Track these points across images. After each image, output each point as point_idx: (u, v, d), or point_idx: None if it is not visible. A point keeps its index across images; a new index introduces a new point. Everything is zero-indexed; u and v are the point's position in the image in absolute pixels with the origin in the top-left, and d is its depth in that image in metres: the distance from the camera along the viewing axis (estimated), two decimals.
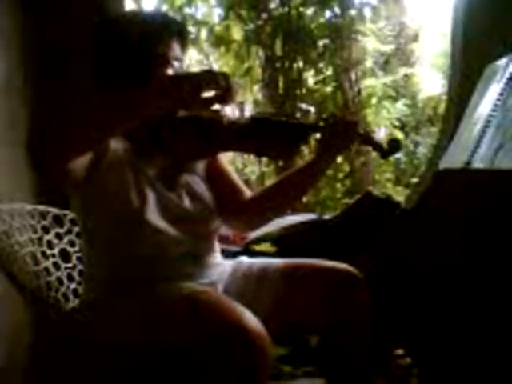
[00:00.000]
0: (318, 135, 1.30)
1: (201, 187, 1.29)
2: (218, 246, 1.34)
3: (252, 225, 1.41)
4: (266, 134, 1.21)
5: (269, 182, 1.68)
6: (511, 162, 1.44)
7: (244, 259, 1.37)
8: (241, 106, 1.29)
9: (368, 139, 1.30)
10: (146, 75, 1.17)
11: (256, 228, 1.46)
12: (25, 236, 1.35)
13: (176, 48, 1.21)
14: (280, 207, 1.37)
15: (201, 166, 1.32)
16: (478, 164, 1.58)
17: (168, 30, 1.21)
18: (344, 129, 1.25)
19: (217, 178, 1.33)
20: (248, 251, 1.89)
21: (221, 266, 1.31)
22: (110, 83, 1.20)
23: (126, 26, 1.21)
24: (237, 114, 1.23)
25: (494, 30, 2.02)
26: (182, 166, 1.27)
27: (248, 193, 1.37)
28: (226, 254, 1.37)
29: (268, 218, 1.39)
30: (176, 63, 1.20)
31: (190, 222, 1.23)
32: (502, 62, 1.75)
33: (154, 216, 1.17)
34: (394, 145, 1.29)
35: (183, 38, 1.23)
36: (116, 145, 1.19)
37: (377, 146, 1.29)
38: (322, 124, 1.28)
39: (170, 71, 1.19)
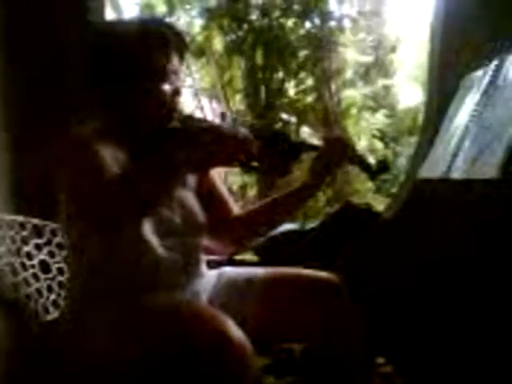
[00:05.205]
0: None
1: (192, 201, 1.27)
2: (203, 256, 1.33)
3: (235, 243, 1.41)
4: (263, 150, 1.18)
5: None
6: (488, 172, 1.46)
7: (227, 269, 1.37)
8: (222, 116, 1.28)
9: (358, 161, 1.31)
10: (143, 87, 1.16)
11: (240, 246, 1.46)
12: (3, 247, 1.33)
13: (174, 61, 1.19)
14: (266, 227, 1.39)
15: (192, 179, 1.30)
16: (455, 174, 1.61)
17: (168, 43, 1.18)
18: (340, 150, 1.26)
19: (207, 193, 1.32)
20: (231, 261, 1.89)
21: (206, 277, 1.31)
22: (106, 90, 1.18)
23: (126, 36, 1.17)
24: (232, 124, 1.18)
25: (471, 43, 2.06)
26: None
27: (236, 210, 1.36)
28: (210, 265, 1.37)
29: (252, 237, 1.41)
30: (173, 76, 1.19)
31: (180, 236, 1.22)
32: (479, 73, 1.78)
33: (146, 230, 1.15)
34: (382, 166, 1.32)
35: (182, 51, 1.21)
36: (107, 154, 1.14)
37: (367, 168, 1.31)
38: (318, 145, 1.29)
39: (166, 85, 1.17)
